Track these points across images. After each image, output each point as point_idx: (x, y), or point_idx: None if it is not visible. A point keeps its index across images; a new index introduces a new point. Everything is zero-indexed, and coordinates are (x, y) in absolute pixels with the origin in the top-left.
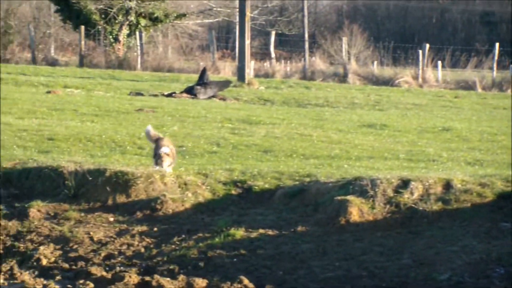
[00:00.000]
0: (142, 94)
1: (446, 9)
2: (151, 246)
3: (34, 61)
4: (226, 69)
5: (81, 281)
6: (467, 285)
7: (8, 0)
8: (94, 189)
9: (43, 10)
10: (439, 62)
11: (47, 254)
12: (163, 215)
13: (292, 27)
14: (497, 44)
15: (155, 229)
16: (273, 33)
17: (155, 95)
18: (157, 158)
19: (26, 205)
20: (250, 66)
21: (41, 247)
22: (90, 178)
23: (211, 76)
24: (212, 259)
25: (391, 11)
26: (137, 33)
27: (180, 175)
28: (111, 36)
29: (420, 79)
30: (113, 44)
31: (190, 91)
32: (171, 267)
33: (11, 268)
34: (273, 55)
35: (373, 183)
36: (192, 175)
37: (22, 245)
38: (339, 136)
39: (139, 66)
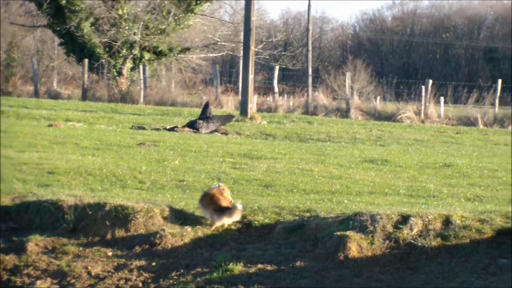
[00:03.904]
0: (144, 128)
1: (449, 45)
2: (149, 281)
3: (36, 94)
4: (229, 103)
5: None
6: None
7: (11, 33)
8: (93, 223)
9: (47, 43)
10: (442, 98)
11: None
12: (162, 249)
13: (296, 62)
14: (499, 80)
15: (154, 263)
16: (277, 67)
17: (157, 129)
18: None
19: (24, 239)
20: (253, 101)
21: (38, 282)
22: (90, 212)
23: (214, 111)
24: None
25: (395, 46)
26: (141, 66)
27: (180, 210)
28: (114, 70)
29: (422, 115)
30: (116, 78)
31: (192, 125)
32: None
33: None
34: (276, 89)
35: (373, 219)
36: (192, 209)
37: (19, 279)
38: (340, 171)
39: (141, 99)
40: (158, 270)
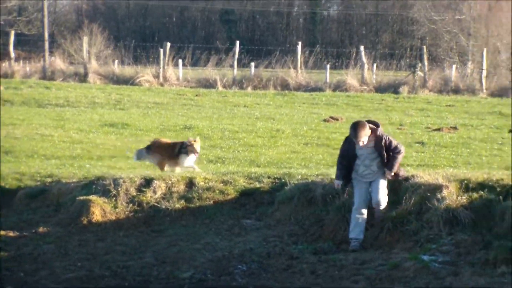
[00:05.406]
0: None
1: (185, 7)
2: None
3: None
4: None
5: None
6: (209, 283)
7: None
8: None
9: None
10: (180, 61)
11: None
12: None
13: (31, 27)
14: (237, 42)
15: None
16: (12, 33)
17: None
18: None
19: None
20: None
21: None
22: None
23: None
24: None
25: (131, 10)
26: None
27: None
28: None
29: (161, 78)
30: None
31: None
32: None
33: None
34: (12, 55)
35: (115, 183)
36: None
37: None
38: (80, 136)
39: None
40: None
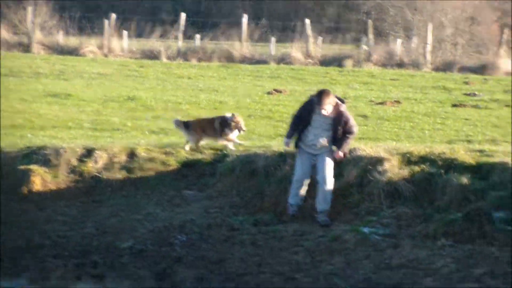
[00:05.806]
0: None
1: None
2: None
3: None
4: None
5: None
6: (149, 253)
7: None
8: None
9: None
10: (125, 32)
11: None
12: None
13: None
14: (182, 14)
15: None
16: None
17: None
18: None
19: None
20: None
21: None
22: None
23: None
24: None
25: None
26: None
27: None
28: None
29: (105, 49)
30: None
31: None
32: None
33: None
34: None
35: (57, 152)
36: None
37: None
38: (23, 106)
39: None
40: None
